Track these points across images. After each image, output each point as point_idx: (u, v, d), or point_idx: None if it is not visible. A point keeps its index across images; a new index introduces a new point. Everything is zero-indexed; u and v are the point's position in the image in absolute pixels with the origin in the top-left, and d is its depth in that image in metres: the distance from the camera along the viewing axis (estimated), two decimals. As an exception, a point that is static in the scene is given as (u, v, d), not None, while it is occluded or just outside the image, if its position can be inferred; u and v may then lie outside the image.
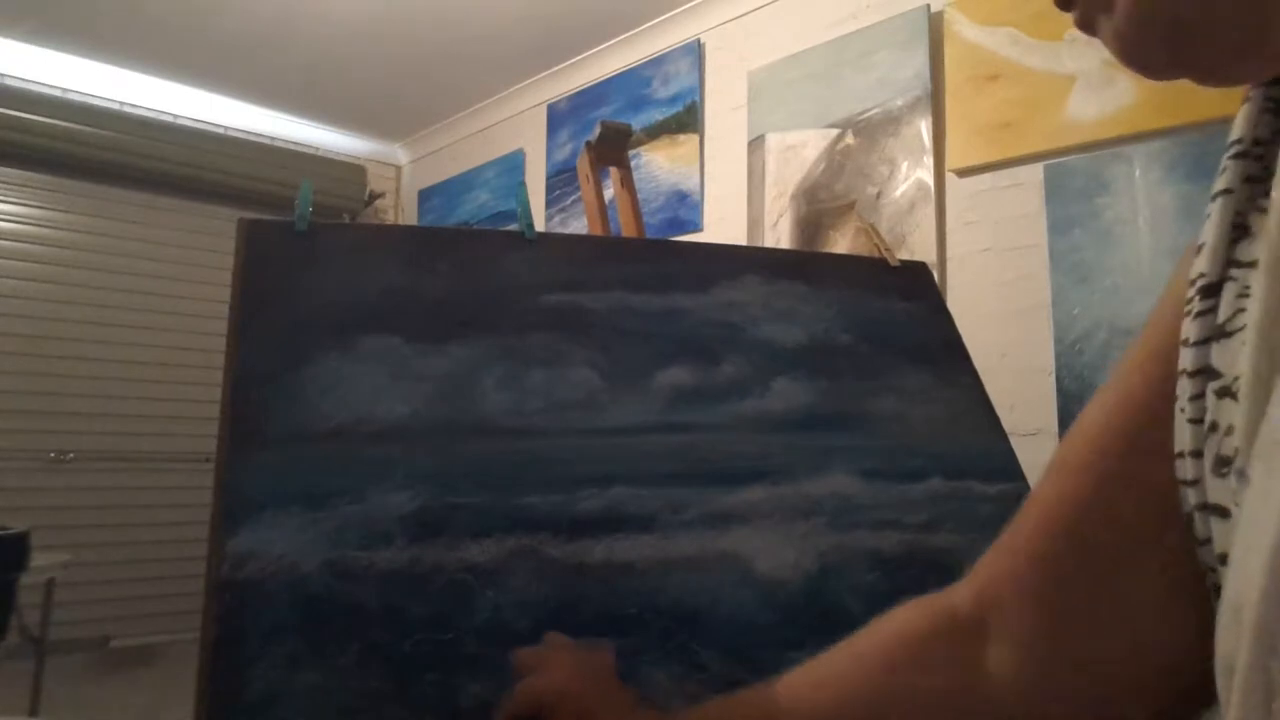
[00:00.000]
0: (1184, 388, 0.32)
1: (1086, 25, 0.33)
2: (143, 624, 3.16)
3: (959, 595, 0.46)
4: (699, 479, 0.77)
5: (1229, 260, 0.32)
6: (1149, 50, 0.31)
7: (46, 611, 2.36)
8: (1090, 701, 0.39)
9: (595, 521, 0.71)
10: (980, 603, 0.44)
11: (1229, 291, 0.31)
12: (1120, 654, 0.38)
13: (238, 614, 0.58)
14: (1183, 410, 0.32)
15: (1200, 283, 0.32)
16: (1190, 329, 0.32)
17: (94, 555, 2.95)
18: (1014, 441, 0.95)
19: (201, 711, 0.54)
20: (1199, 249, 0.33)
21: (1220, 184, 0.33)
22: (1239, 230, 0.32)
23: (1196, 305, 0.32)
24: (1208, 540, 0.31)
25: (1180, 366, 0.33)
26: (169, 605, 3.15)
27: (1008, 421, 0.99)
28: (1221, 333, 0.31)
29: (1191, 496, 0.32)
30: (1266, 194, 0.31)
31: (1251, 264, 0.30)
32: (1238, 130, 0.34)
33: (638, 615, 0.67)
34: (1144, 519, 0.36)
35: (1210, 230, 0.33)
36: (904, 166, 2.18)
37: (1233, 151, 0.33)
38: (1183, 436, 0.32)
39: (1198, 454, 0.31)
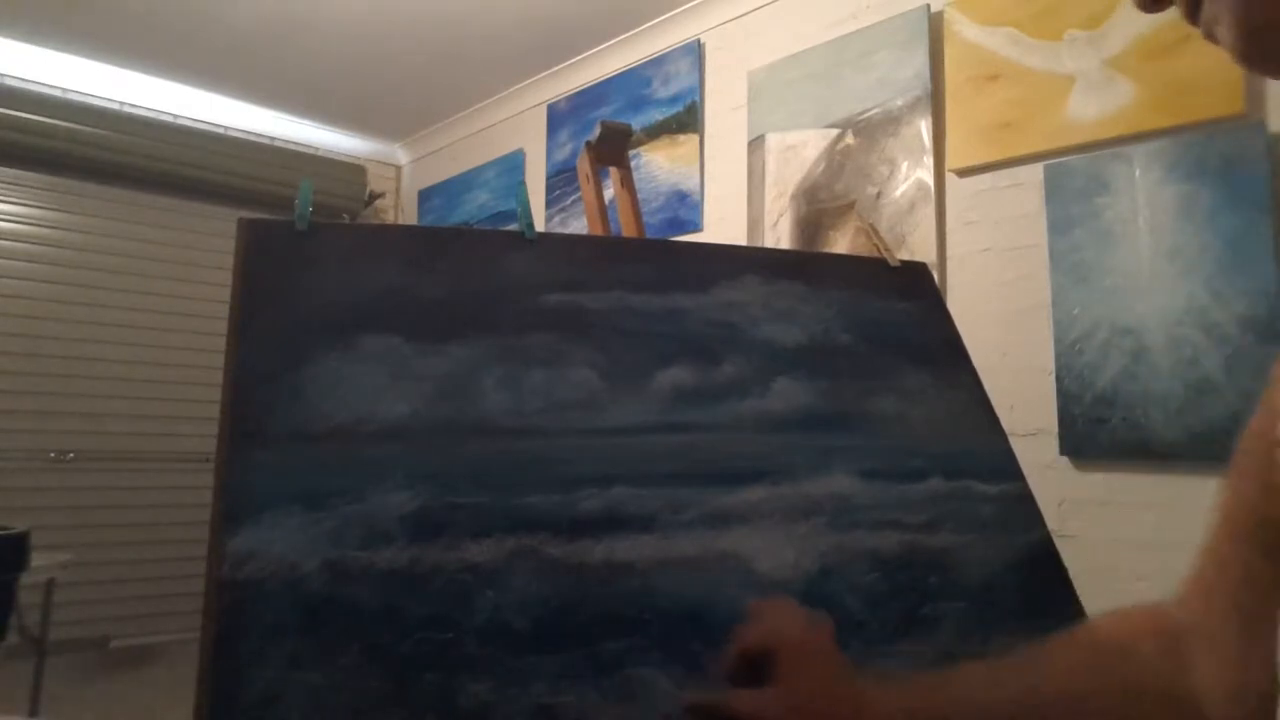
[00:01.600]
0: None
1: (1209, 36, 0.35)
2: (143, 624, 3.16)
3: (1168, 605, 0.49)
4: (699, 479, 0.77)
5: None
6: (1263, 55, 0.32)
7: (46, 611, 2.36)
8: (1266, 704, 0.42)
9: (595, 521, 0.71)
10: (1184, 606, 0.47)
11: None
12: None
13: (238, 614, 0.58)
14: None
15: None
16: None
17: (94, 555, 2.95)
18: (1014, 441, 0.95)
19: (201, 711, 0.54)
20: None
21: None
22: None
23: None
24: None
25: None
26: (169, 605, 3.16)
27: (1008, 421, 0.99)
28: None
29: None
30: None
31: None
32: None
33: (638, 615, 0.67)
34: None
35: None
36: (904, 166, 2.18)
37: None
38: None
39: None
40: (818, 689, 0.54)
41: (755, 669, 0.57)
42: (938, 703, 0.53)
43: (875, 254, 1.07)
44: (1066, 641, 0.52)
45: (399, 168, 4.22)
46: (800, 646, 0.56)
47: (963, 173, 2.08)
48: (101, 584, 3.05)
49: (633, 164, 1.52)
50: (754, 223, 2.55)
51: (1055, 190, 1.88)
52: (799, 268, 1.01)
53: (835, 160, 2.35)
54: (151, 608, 3.18)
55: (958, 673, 0.55)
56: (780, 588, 0.73)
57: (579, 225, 3.15)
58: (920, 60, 2.17)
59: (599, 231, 1.27)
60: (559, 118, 3.35)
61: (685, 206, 2.80)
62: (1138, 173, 1.75)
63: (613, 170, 1.33)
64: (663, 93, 2.93)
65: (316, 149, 3.90)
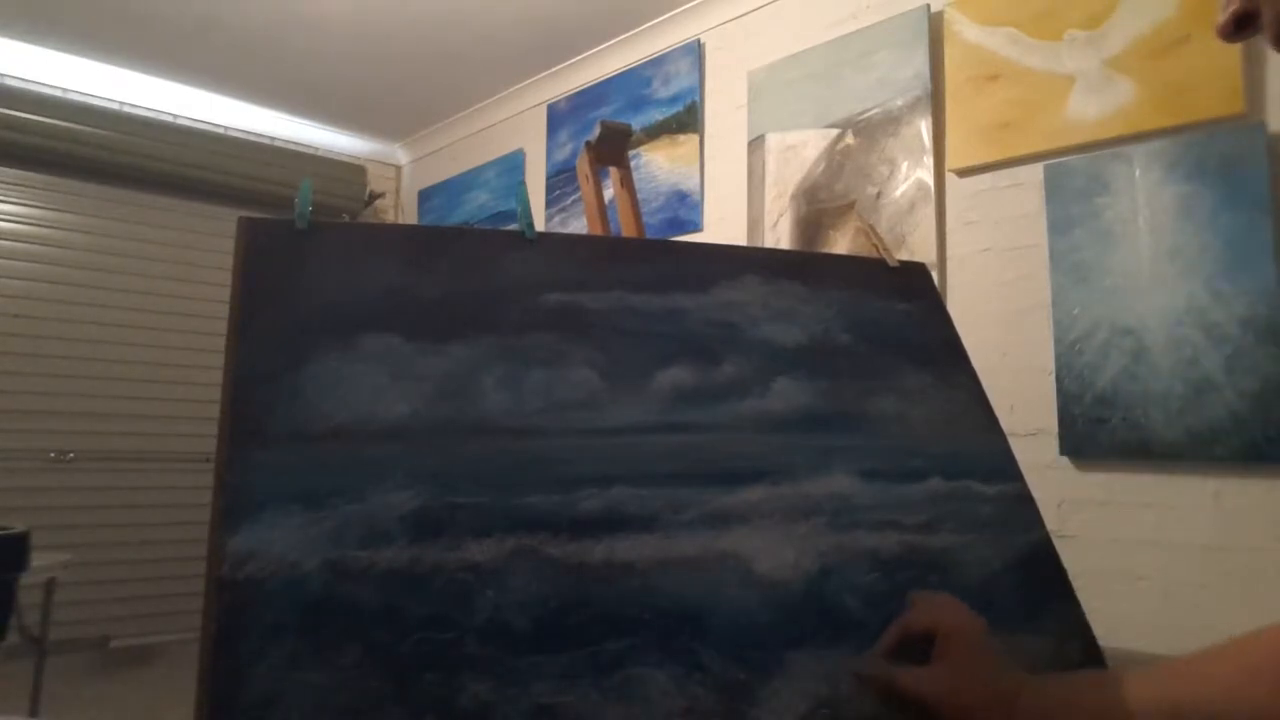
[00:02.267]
0: None
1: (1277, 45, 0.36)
2: (143, 624, 3.16)
3: None
4: (699, 479, 0.77)
5: None
6: None
7: (46, 611, 2.36)
8: None
9: (596, 521, 0.71)
10: None
11: None
12: None
13: (238, 614, 0.58)
14: None
15: None
16: None
17: (94, 555, 2.95)
18: (1014, 441, 0.95)
19: (201, 711, 0.54)
20: None
21: None
22: None
23: None
24: None
25: None
26: (169, 605, 3.16)
27: (1008, 421, 0.99)
28: None
29: None
30: None
31: None
32: None
33: (638, 615, 0.67)
34: None
35: None
36: (904, 166, 2.19)
37: None
38: None
39: None
40: (977, 673, 0.57)
41: (915, 651, 0.61)
42: (1093, 702, 0.54)
43: (875, 254, 1.07)
44: (1225, 653, 0.53)
45: (399, 168, 4.23)
46: (961, 633, 0.60)
47: (963, 173, 2.08)
48: (101, 584, 3.06)
49: (633, 164, 1.52)
50: (754, 223, 2.55)
51: (1055, 190, 1.88)
52: (799, 268, 1.01)
53: (835, 160, 2.35)
54: (151, 608, 3.18)
55: (1114, 675, 0.55)
56: (780, 588, 0.73)
57: (579, 225, 3.15)
58: (920, 60, 2.17)
59: (599, 231, 1.27)
60: (559, 118, 3.35)
61: (685, 206, 2.80)
62: (1138, 173, 1.75)
63: (613, 170, 1.33)
64: (663, 93, 2.93)
65: (316, 149, 3.90)
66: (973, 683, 0.57)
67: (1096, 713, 0.54)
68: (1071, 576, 0.84)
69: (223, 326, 0.73)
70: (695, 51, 2.84)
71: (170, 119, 3.47)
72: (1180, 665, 0.54)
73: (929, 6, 2.17)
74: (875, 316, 0.99)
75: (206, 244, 3.44)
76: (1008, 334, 1.92)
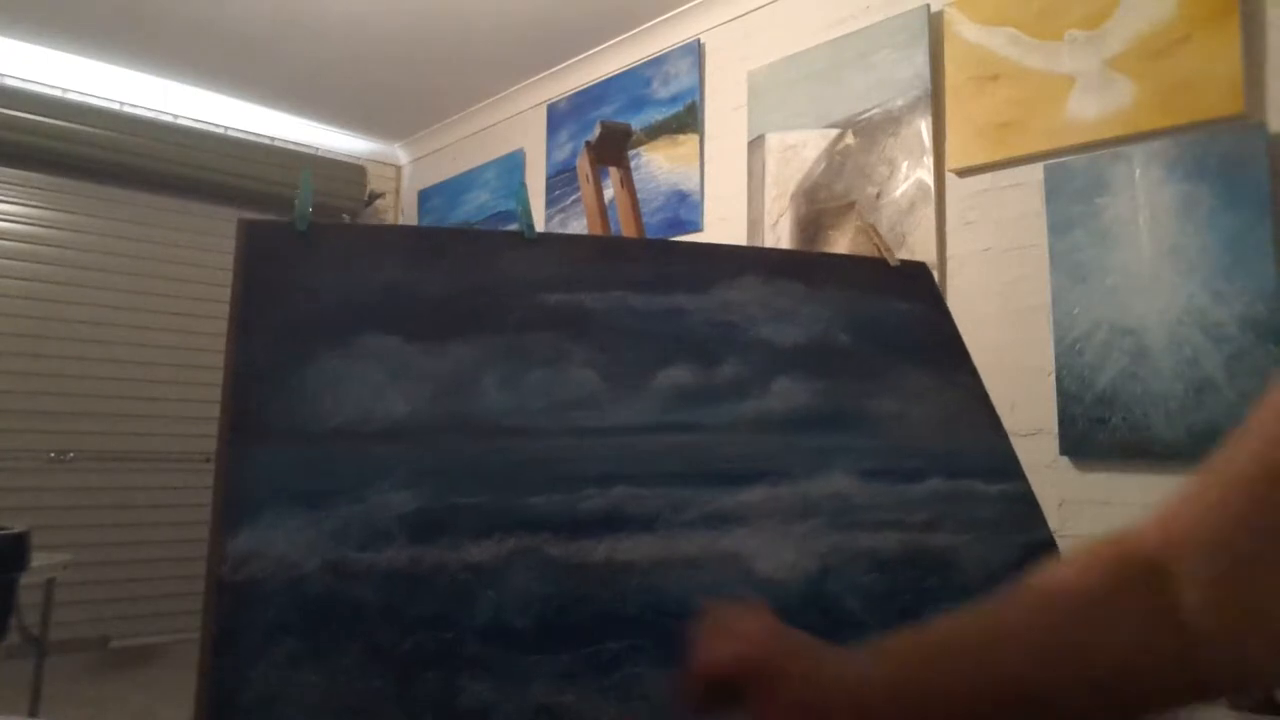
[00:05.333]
0: None
1: None
2: (143, 624, 3.16)
3: (1148, 533, 0.47)
4: (699, 479, 0.77)
5: None
6: None
7: (46, 611, 2.36)
8: (1268, 650, 0.42)
9: (596, 521, 0.71)
10: (1170, 542, 0.45)
11: None
12: None
13: (238, 614, 0.58)
14: None
15: None
16: None
17: (94, 555, 2.95)
18: (1014, 441, 0.95)
19: (201, 711, 0.54)
20: None
21: None
22: None
23: None
24: None
25: None
26: (169, 605, 3.16)
27: (1008, 421, 0.99)
28: None
29: None
30: None
31: None
32: None
33: (638, 615, 0.67)
34: None
35: None
36: (904, 166, 2.19)
37: None
38: None
39: None
40: (798, 700, 0.51)
41: (722, 691, 0.53)
42: (926, 676, 0.50)
43: (875, 254, 1.07)
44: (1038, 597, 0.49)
45: (399, 168, 4.22)
46: (768, 659, 0.52)
47: (963, 173, 2.08)
48: (101, 584, 3.06)
49: (633, 164, 1.52)
50: (754, 223, 2.55)
51: (1055, 190, 1.88)
52: (799, 268, 1.01)
53: (835, 160, 2.35)
54: (151, 608, 3.18)
55: (945, 634, 0.50)
56: (780, 587, 0.73)
57: (579, 225, 3.15)
58: (920, 60, 2.17)
59: (599, 231, 1.27)
60: (559, 118, 3.35)
61: (685, 206, 2.80)
62: (1138, 173, 1.75)
63: (613, 170, 1.33)
64: (663, 93, 2.93)
65: (316, 149, 3.90)
66: (800, 711, 0.50)
67: (933, 687, 0.49)
68: (1071, 576, 0.84)
69: (223, 326, 0.73)
70: (695, 51, 2.84)
71: (170, 119, 3.47)
72: (993, 616, 0.49)
73: (929, 6, 2.17)
74: (876, 316, 0.98)
75: (206, 244, 3.44)
76: (1008, 334, 1.92)
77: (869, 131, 2.28)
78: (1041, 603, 0.49)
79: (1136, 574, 0.46)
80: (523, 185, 0.99)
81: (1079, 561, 0.49)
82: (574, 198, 3.20)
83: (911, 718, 0.49)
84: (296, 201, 0.81)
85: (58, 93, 3.21)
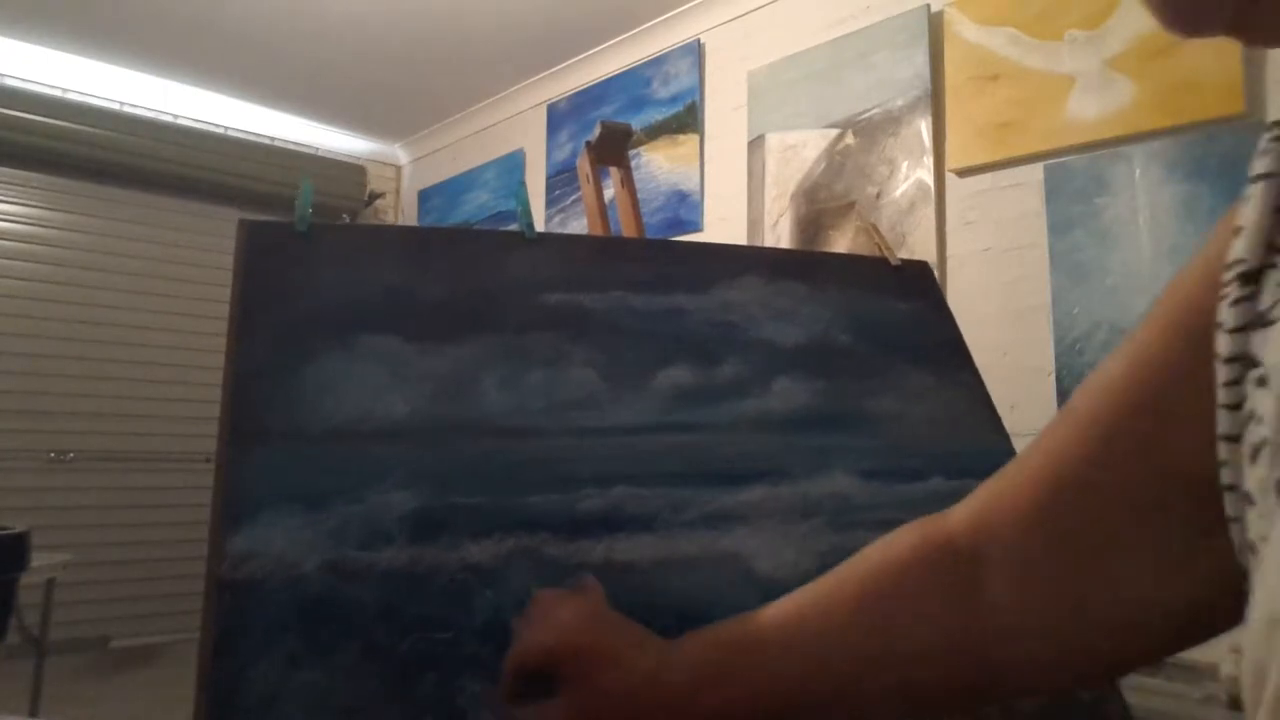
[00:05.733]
0: (1219, 373, 0.32)
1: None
2: (143, 624, 3.16)
3: (955, 522, 0.46)
4: (699, 479, 0.77)
5: (1271, 245, 0.31)
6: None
7: (46, 611, 2.36)
8: (1073, 642, 0.41)
9: (596, 521, 0.71)
10: (978, 531, 0.44)
11: (1271, 279, 0.30)
12: (1111, 604, 0.39)
13: (237, 614, 0.58)
14: (1217, 395, 0.32)
15: (1239, 269, 0.32)
16: (1227, 315, 0.32)
17: (94, 555, 2.95)
18: (1014, 441, 0.95)
19: (201, 711, 0.54)
20: (1237, 231, 0.32)
21: (1262, 166, 0.32)
22: None
23: (1234, 292, 0.31)
24: (1238, 519, 0.31)
25: (1216, 350, 0.32)
26: (169, 605, 3.16)
27: (1008, 421, 0.99)
28: (1263, 320, 0.30)
29: (1225, 475, 0.32)
30: None
31: None
32: None
33: (638, 615, 0.67)
34: (1150, 481, 0.37)
35: (1250, 214, 0.32)
36: (904, 166, 2.19)
37: (1275, 134, 0.33)
38: (1220, 421, 0.32)
39: (1230, 438, 0.31)
40: (606, 689, 0.49)
41: (542, 678, 0.52)
42: (729, 669, 0.49)
43: (876, 253, 1.07)
44: (844, 582, 0.48)
45: (399, 168, 4.23)
46: (577, 649, 0.51)
47: (963, 173, 2.08)
48: (101, 584, 3.06)
49: (633, 164, 1.52)
50: (754, 223, 2.55)
51: (1055, 190, 1.88)
52: (799, 267, 1.01)
53: (835, 160, 2.35)
54: (151, 608, 3.18)
55: (736, 622, 0.50)
56: (780, 587, 0.73)
57: (579, 225, 3.15)
58: (920, 60, 2.17)
59: (599, 231, 1.27)
60: (559, 118, 3.35)
61: (685, 206, 2.80)
62: (1138, 173, 1.75)
63: (613, 170, 1.33)
64: (663, 93, 2.93)
65: (316, 149, 3.90)
66: (603, 701, 0.49)
67: (754, 678, 0.48)
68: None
69: (223, 326, 0.73)
70: (695, 51, 2.84)
71: (170, 119, 3.47)
72: (799, 596, 0.49)
73: (929, 6, 2.17)
74: (876, 316, 0.98)
75: (206, 244, 3.44)
76: (1008, 334, 1.92)
77: (869, 131, 2.28)
78: (845, 591, 0.48)
79: (945, 559, 0.45)
80: (523, 185, 0.99)
81: (888, 546, 0.48)
82: (574, 198, 3.20)
83: (712, 710, 0.48)
84: (297, 203, 0.81)
85: (58, 93, 3.21)
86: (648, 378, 0.82)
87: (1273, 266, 0.31)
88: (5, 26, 3.02)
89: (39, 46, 3.15)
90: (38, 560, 1.92)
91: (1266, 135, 0.32)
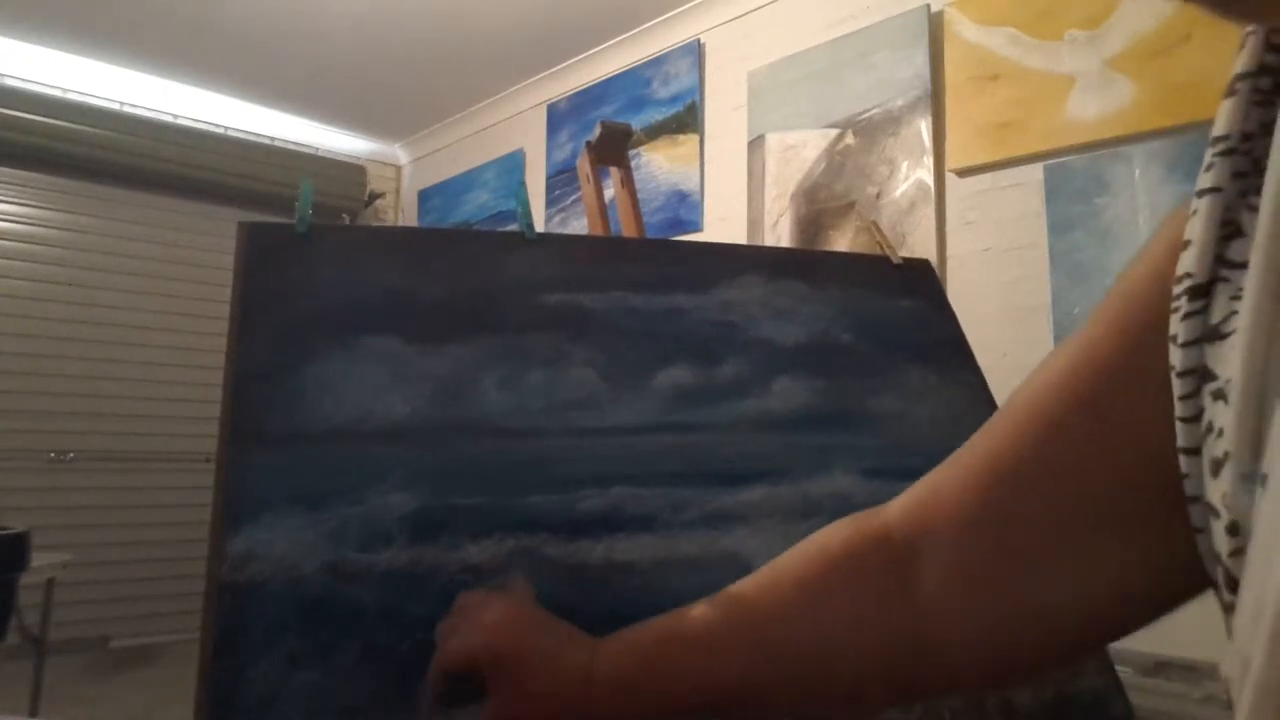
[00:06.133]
0: (1175, 387, 0.32)
1: None
2: (143, 624, 3.16)
3: (891, 516, 0.46)
4: (699, 479, 0.77)
5: (1219, 259, 0.31)
6: None
7: (46, 611, 2.36)
8: (1006, 639, 0.41)
9: (595, 521, 0.71)
10: (914, 526, 0.44)
11: (1222, 293, 0.31)
12: (1047, 602, 0.39)
13: (238, 614, 0.58)
14: (1175, 409, 0.32)
15: (1188, 283, 0.32)
16: (1179, 329, 0.32)
17: (94, 555, 2.95)
18: (1014, 441, 0.95)
19: (201, 711, 0.54)
20: (1185, 245, 0.33)
21: (1207, 181, 0.32)
22: (1229, 228, 0.31)
23: (1185, 306, 0.32)
24: (1204, 530, 0.31)
25: (1170, 363, 0.32)
26: (169, 605, 3.16)
27: (1008, 421, 0.99)
28: (1216, 334, 0.30)
29: (1188, 487, 0.32)
30: (1257, 191, 0.30)
31: (1245, 265, 0.29)
32: (1223, 126, 0.33)
33: (638, 615, 0.67)
34: (1089, 478, 0.37)
35: (1198, 229, 0.32)
36: (904, 166, 2.18)
37: (1220, 148, 0.33)
38: (1179, 434, 0.32)
39: (1190, 451, 0.31)
40: (533, 691, 0.49)
41: (469, 681, 0.51)
42: (650, 668, 0.48)
43: (877, 252, 1.07)
44: (783, 574, 0.47)
45: (399, 168, 4.22)
46: (502, 651, 0.50)
47: (963, 173, 2.08)
48: (101, 584, 3.06)
49: (633, 164, 1.52)
50: (754, 223, 2.55)
51: (1055, 190, 1.88)
52: (800, 266, 1.01)
53: (835, 160, 2.35)
54: (151, 608, 3.18)
55: (693, 625, 0.48)
56: (780, 588, 0.73)
57: (579, 225, 3.15)
58: (920, 60, 2.17)
59: (599, 231, 1.27)
60: (559, 118, 3.35)
61: (685, 206, 2.80)
62: (1138, 173, 1.75)
63: (613, 170, 1.33)
64: (663, 93, 2.93)
65: (316, 149, 3.90)
66: (535, 701, 0.49)
67: (685, 675, 0.47)
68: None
69: (223, 326, 0.73)
70: (695, 51, 2.84)
71: (170, 119, 3.47)
72: (736, 589, 0.48)
73: (929, 6, 2.17)
74: (877, 315, 0.98)
75: (206, 244, 3.44)
76: (1008, 334, 1.92)
77: (869, 131, 2.27)
78: (778, 585, 0.47)
79: (879, 553, 0.45)
80: (523, 185, 0.99)
81: (822, 540, 0.48)
82: (574, 198, 3.20)
83: (645, 706, 0.48)
84: (297, 204, 0.81)
85: (58, 93, 3.21)
86: (648, 378, 0.82)
87: (1223, 280, 0.31)
88: (5, 26, 3.02)
89: (39, 46, 3.15)
90: (38, 560, 1.92)
91: (1210, 150, 0.33)
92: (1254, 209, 0.30)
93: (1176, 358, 0.32)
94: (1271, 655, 0.23)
